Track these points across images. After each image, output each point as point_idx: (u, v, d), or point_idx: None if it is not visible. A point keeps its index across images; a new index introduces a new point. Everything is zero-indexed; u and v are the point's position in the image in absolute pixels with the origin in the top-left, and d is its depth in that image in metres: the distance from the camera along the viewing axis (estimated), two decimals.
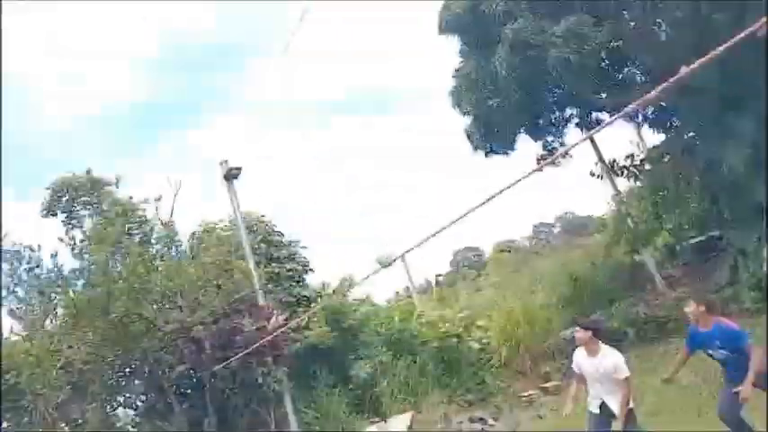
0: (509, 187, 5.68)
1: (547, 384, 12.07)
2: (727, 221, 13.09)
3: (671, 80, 3.79)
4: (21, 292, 11.04)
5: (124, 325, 10.60)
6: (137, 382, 12.12)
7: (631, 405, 6.17)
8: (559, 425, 9.40)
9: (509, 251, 47.65)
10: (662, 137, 14.40)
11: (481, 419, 11.35)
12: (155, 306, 10.87)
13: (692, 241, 15.19)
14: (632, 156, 14.81)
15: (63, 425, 10.30)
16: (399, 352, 13.79)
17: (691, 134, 13.32)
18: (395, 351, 13.84)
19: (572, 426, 8.83)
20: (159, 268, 11.13)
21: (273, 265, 14.05)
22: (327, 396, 12.45)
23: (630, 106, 5.41)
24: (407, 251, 6.54)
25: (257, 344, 10.21)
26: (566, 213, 48.63)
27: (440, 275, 52.71)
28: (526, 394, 12.09)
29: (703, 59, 3.18)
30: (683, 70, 3.24)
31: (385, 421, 12.22)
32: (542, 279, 19.47)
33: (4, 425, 10.28)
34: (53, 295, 10.93)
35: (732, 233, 12.73)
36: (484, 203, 5.76)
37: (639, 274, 16.18)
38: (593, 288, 15.97)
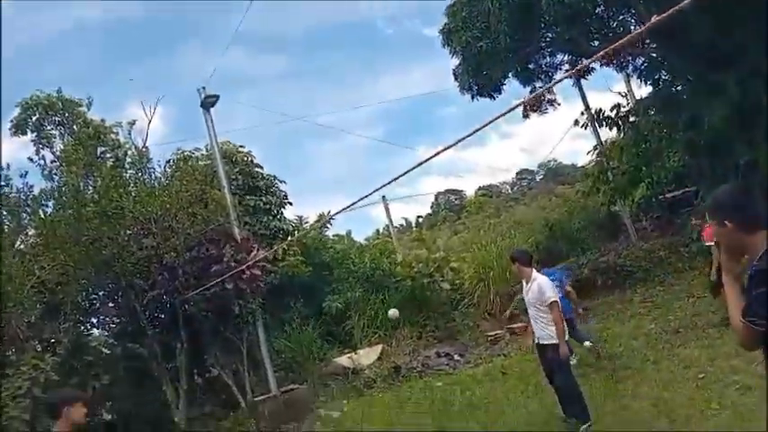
0: (485, 126, 5.58)
1: (513, 325, 12.43)
2: (704, 178, 13.23)
3: (635, 32, 3.72)
4: None
5: (96, 248, 10.51)
6: (110, 305, 12.17)
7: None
8: (521, 362, 9.79)
9: (490, 196, 48.12)
10: (650, 90, 14.29)
11: (447, 355, 11.72)
12: (127, 231, 10.78)
13: (669, 195, 15.42)
14: (618, 106, 14.70)
15: (35, 343, 10.32)
16: (372, 289, 14.04)
17: (678, 88, 13.22)
18: (368, 288, 14.09)
19: (531, 363, 9.19)
20: (132, 193, 10.95)
21: (250, 197, 13.94)
22: (300, 327, 12.72)
23: (601, 52, 5.26)
24: (383, 186, 6.51)
25: (232, 272, 10.25)
26: (549, 161, 48.78)
27: (420, 217, 53.26)
28: (493, 334, 12.46)
29: (667, 12, 3.06)
30: (654, 19, 3.13)
31: (356, 352, 12.56)
32: (519, 224, 19.78)
33: None
34: (23, 215, 10.75)
35: (708, 189, 12.90)
36: (459, 141, 5.66)
37: (614, 225, 16.52)
38: (568, 235, 16.29)
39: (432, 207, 56.52)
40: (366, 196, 6.62)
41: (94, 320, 12.49)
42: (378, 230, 34.06)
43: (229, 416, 10.81)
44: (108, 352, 12.57)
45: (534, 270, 6.45)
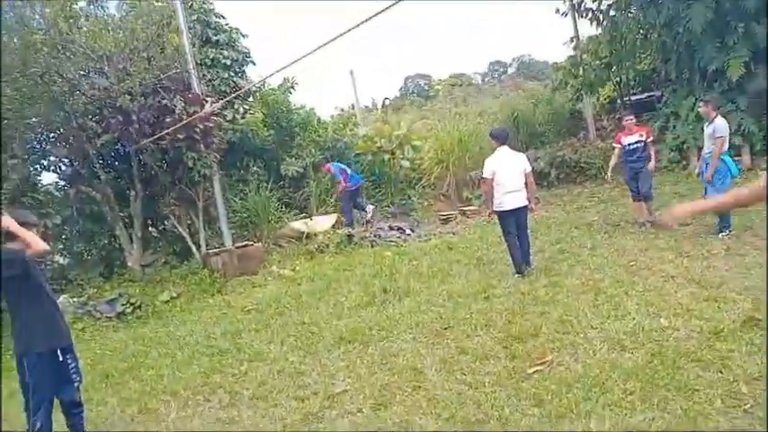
0: None
1: (465, 208, 12.83)
2: (670, 82, 13.31)
3: None
4: None
5: (45, 83, 9.95)
6: (61, 146, 11.79)
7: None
8: (468, 240, 10.24)
9: (460, 84, 47.30)
10: None
11: (400, 229, 12.10)
12: (80, 70, 10.16)
13: (634, 98, 15.53)
14: None
15: None
16: (333, 159, 14.02)
17: None
18: (328, 157, 14.06)
19: (478, 241, 9.61)
20: (83, 27, 10.19)
21: (210, 49, 13.18)
22: (257, 188, 12.75)
23: None
24: (336, 38, 6.20)
25: (183, 123, 9.96)
26: (523, 55, 47.93)
27: (387, 99, 52.29)
28: (445, 214, 12.87)
29: None
30: None
31: (311, 218, 12.81)
32: (485, 114, 19.73)
33: None
34: None
35: (672, 94, 13.04)
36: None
37: (576, 122, 16.69)
38: (531, 128, 16.43)
39: (400, 90, 55.50)
40: (324, 45, 6.36)
41: (45, 163, 12.16)
42: (342, 109, 33.41)
43: (183, 265, 11.07)
44: (60, 195, 12.41)
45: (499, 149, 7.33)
